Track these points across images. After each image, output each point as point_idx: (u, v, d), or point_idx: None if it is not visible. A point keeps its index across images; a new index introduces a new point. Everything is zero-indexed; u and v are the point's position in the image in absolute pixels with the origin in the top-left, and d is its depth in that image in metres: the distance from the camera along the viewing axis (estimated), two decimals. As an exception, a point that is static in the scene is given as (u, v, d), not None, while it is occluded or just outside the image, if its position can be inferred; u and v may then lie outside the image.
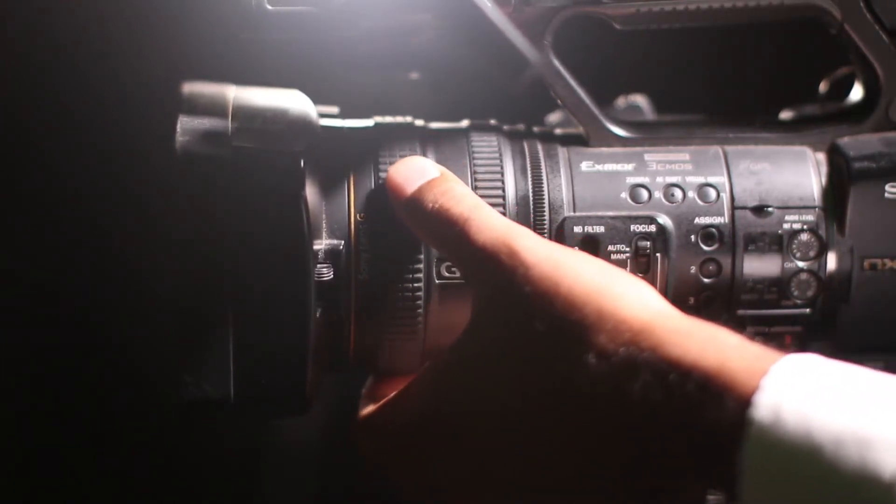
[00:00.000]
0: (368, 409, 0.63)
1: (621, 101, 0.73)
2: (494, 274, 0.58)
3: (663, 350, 0.52)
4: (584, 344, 0.54)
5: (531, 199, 0.63)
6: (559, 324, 0.55)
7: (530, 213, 0.63)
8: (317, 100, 0.65)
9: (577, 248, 0.63)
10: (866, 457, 0.45)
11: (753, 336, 0.64)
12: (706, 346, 0.51)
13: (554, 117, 0.73)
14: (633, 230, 0.63)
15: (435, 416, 0.59)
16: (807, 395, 0.48)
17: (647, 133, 0.66)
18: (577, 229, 0.63)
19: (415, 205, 0.61)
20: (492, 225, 0.59)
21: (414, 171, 0.62)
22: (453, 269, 0.62)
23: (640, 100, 0.73)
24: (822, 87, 0.72)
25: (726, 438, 0.48)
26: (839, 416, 0.47)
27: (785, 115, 0.72)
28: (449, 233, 0.60)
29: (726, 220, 0.63)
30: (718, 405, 0.49)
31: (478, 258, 0.58)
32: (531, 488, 0.56)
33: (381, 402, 0.62)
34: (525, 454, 0.56)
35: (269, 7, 0.61)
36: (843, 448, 0.46)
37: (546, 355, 0.55)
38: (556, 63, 0.65)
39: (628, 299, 0.55)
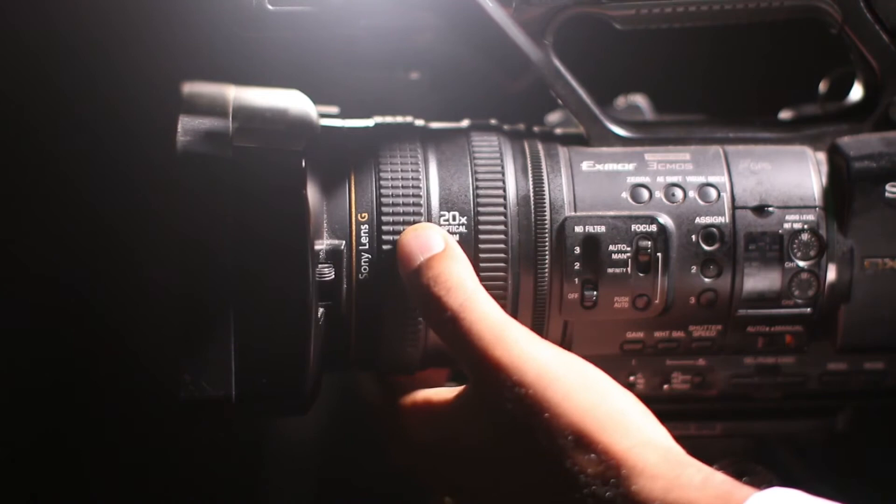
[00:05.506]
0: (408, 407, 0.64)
1: (621, 101, 0.73)
2: (483, 380, 0.58)
3: (629, 490, 0.54)
4: (556, 470, 0.56)
5: (532, 198, 0.63)
6: (537, 448, 0.56)
7: (531, 213, 0.63)
8: (317, 100, 0.66)
9: (578, 247, 0.63)
10: None
11: (755, 336, 0.65)
12: (670, 488, 0.53)
13: (553, 117, 0.73)
14: (634, 230, 0.63)
15: (442, 446, 0.61)
16: None
17: (648, 133, 0.66)
18: (578, 229, 0.63)
19: (414, 281, 0.61)
20: (483, 327, 0.58)
21: (418, 245, 0.61)
22: None
23: (639, 100, 0.73)
24: (822, 86, 0.73)
25: None
26: None
27: (784, 114, 0.72)
28: (442, 324, 0.60)
29: (727, 220, 0.63)
30: None
31: (469, 359, 0.59)
32: None
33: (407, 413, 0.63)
34: None
35: (270, 7, 0.61)
36: None
37: (523, 471, 0.57)
38: (557, 63, 0.65)
39: (609, 428, 0.56)
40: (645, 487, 0.54)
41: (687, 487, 0.53)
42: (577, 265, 0.63)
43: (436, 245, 0.61)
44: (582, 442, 0.55)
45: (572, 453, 0.55)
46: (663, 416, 0.59)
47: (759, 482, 0.56)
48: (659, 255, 0.63)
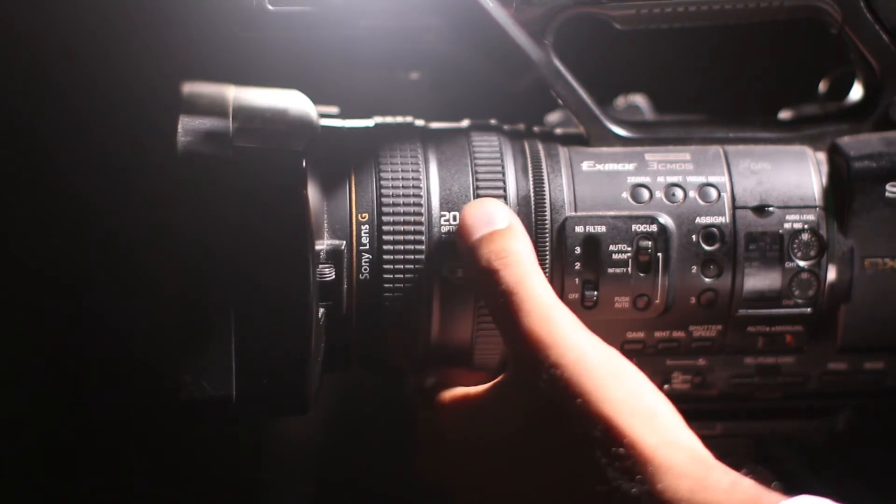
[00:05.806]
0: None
1: (621, 101, 0.73)
2: (523, 358, 0.58)
3: (655, 487, 0.54)
4: (585, 461, 0.55)
5: (532, 198, 0.63)
6: (567, 435, 0.56)
7: (532, 213, 0.63)
8: (317, 100, 0.66)
9: (578, 247, 0.63)
10: None
11: (755, 336, 0.65)
12: (696, 490, 0.53)
13: (553, 117, 0.73)
14: (635, 230, 0.63)
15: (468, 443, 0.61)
16: None
17: (648, 133, 0.66)
18: (579, 229, 0.63)
19: (472, 255, 0.61)
20: (533, 306, 0.59)
21: (482, 218, 0.61)
22: (455, 269, 0.62)
23: (639, 100, 0.73)
24: (822, 86, 0.73)
25: None
26: None
27: (784, 114, 0.72)
28: (494, 298, 0.60)
29: (727, 220, 0.63)
30: None
31: (513, 335, 0.59)
32: None
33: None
34: None
35: (270, 7, 0.61)
36: None
37: (551, 461, 0.57)
38: (557, 63, 0.65)
39: (637, 423, 0.56)
40: (671, 486, 0.53)
41: (714, 490, 0.53)
42: (577, 265, 0.63)
43: (500, 220, 0.61)
44: (610, 434, 0.55)
45: (601, 445, 0.55)
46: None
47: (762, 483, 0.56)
48: (659, 255, 0.63)
